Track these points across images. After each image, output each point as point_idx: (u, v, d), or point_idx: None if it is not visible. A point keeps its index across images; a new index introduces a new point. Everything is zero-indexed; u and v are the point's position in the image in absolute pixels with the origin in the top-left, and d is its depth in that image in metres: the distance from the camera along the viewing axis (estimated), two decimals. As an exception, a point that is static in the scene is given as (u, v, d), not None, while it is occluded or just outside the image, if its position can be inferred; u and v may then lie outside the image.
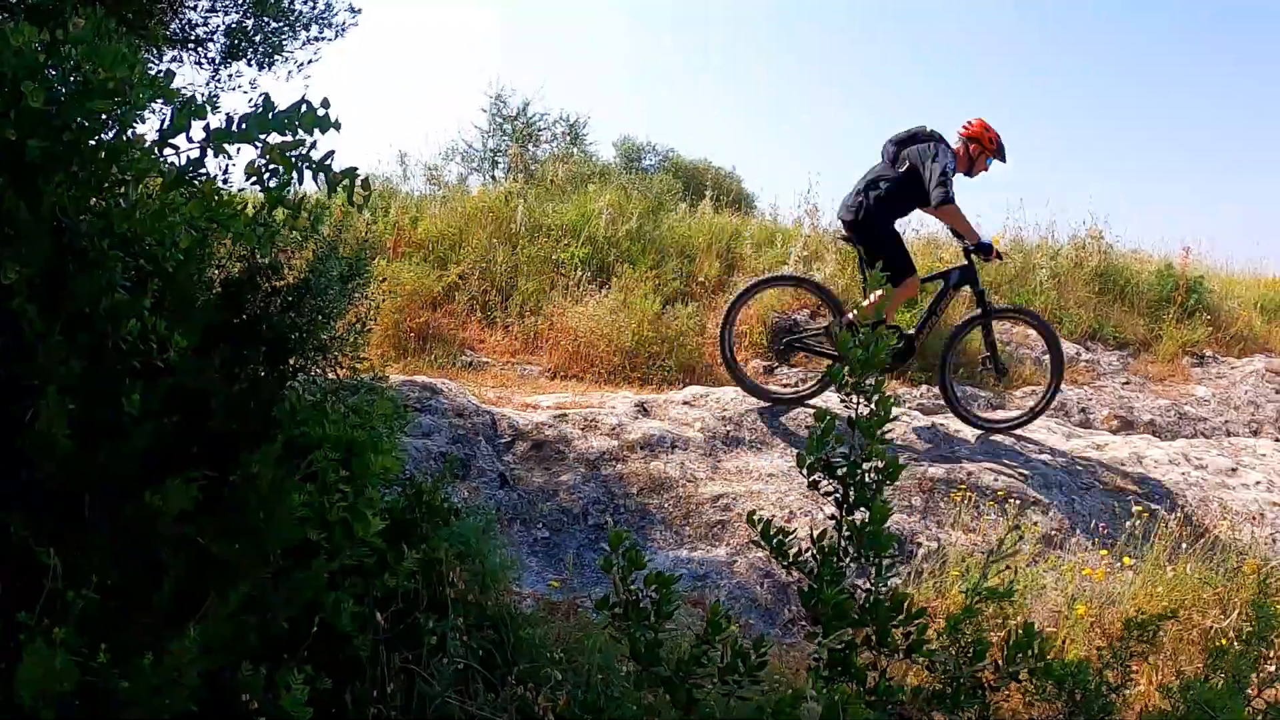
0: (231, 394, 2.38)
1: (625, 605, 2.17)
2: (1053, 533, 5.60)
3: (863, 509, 2.18)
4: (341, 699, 2.27)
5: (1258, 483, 6.86)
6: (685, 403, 6.57)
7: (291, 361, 2.66)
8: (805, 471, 2.17)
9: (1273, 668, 3.46)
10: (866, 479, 2.19)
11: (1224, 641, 3.76)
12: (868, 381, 2.17)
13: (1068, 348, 9.02)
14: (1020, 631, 2.24)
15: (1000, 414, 7.61)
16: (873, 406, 2.18)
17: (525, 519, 5.11)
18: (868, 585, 2.18)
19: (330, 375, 2.77)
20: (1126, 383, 9.27)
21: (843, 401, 2.22)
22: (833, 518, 2.23)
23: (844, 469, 2.20)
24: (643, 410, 6.42)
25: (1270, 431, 8.88)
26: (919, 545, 5.18)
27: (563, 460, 5.65)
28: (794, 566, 2.27)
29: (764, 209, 14.96)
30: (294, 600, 2.21)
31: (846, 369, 2.15)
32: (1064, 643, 4.44)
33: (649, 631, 2.14)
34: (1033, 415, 7.01)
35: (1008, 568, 4.73)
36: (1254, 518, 6.16)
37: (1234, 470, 7.12)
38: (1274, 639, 3.36)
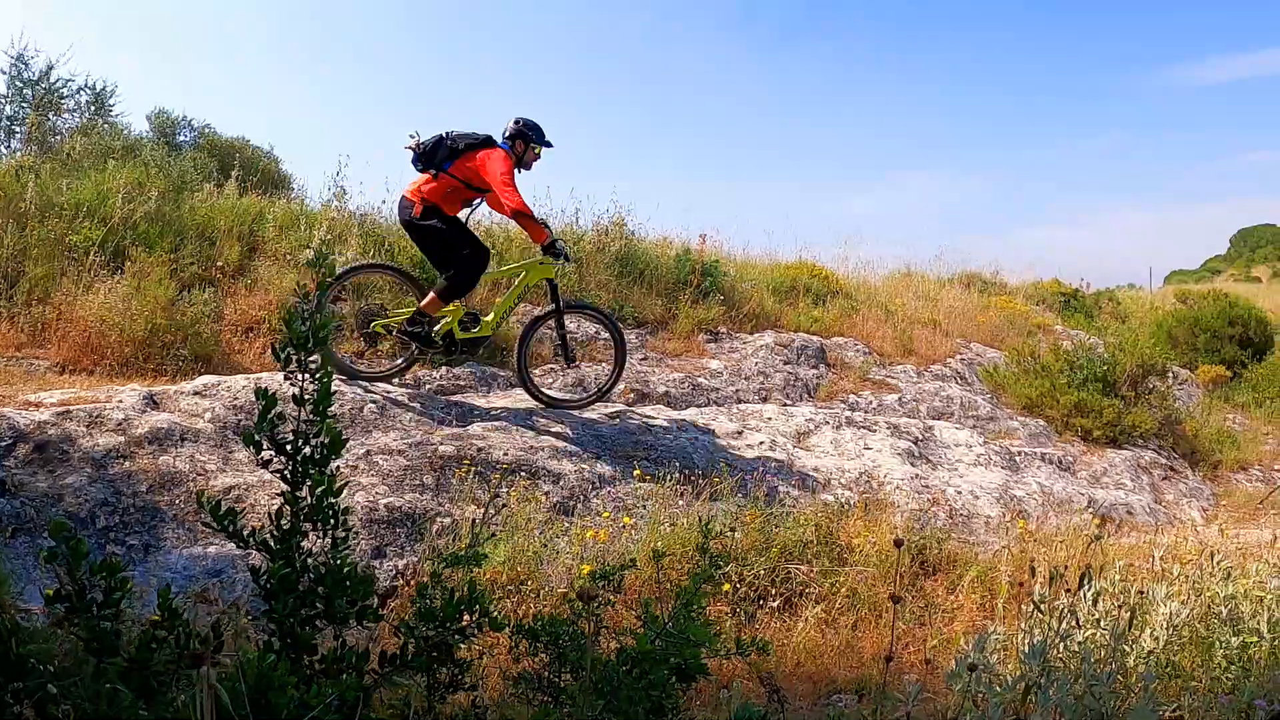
0: None
1: (73, 597, 2.05)
2: (564, 500, 5.97)
3: (309, 483, 2.22)
4: None
5: (761, 443, 7.73)
6: (196, 393, 6.25)
7: None
8: (252, 449, 2.15)
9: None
10: (314, 454, 2.23)
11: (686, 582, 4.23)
12: (310, 358, 2.20)
13: (588, 328, 9.61)
14: (465, 590, 2.39)
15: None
16: (316, 381, 2.22)
17: (30, 529, 4.67)
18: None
19: None
20: (645, 358, 10.01)
21: (286, 378, 2.23)
22: (281, 494, 2.25)
23: (290, 444, 2.22)
24: (152, 403, 6.03)
25: (778, 398, 9.99)
26: (432, 522, 5.31)
27: (67, 461, 5.20)
28: (251, 545, 2.26)
29: (297, 191, 14.51)
30: None
31: (289, 345, 2.17)
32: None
33: (103, 622, 2.04)
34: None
35: (494, 535, 4.99)
36: (757, 473, 6.93)
37: (740, 433, 7.97)
38: (716, 575, 3.79)
